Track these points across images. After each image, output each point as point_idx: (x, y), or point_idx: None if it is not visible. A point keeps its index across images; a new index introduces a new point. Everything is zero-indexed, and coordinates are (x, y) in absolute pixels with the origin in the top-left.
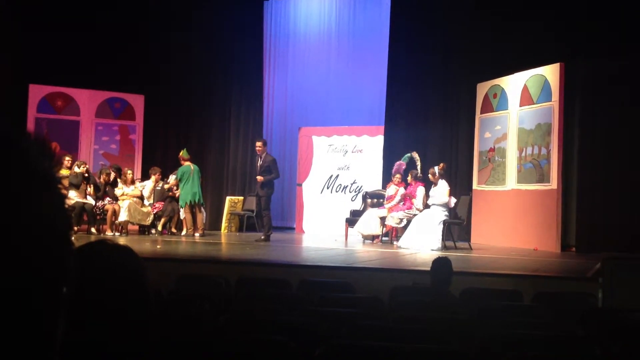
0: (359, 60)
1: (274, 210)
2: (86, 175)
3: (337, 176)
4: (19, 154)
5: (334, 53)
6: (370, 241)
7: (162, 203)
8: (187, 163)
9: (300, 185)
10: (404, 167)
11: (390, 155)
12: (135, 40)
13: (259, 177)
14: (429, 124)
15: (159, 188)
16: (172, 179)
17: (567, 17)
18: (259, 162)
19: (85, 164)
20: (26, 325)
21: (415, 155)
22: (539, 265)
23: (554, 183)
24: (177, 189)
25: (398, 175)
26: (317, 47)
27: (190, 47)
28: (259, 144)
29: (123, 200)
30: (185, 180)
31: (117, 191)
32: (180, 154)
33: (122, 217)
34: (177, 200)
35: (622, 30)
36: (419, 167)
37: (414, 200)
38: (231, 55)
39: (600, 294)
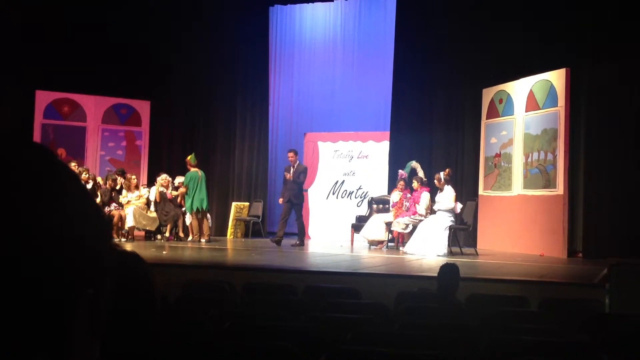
0: (365, 66)
1: (279, 216)
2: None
3: (343, 182)
4: (55, 159)
5: (340, 59)
6: (376, 247)
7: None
8: (195, 169)
9: (306, 191)
10: (405, 175)
11: (395, 161)
12: (141, 46)
13: (287, 175)
14: (435, 130)
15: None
16: (177, 181)
17: (573, 22)
18: (292, 171)
19: (88, 171)
20: (36, 316)
21: (415, 164)
22: (545, 271)
23: (560, 188)
24: (181, 198)
25: (402, 182)
26: (323, 52)
27: (196, 53)
28: (290, 154)
29: (128, 206)
30: (193, 186)
31: (122, 199)
32: (188, 158)
33: (128, 223)
34: (176, 205)
35: (626, 33)
36: (421, 174)
37: (417, 205)
38: (237, 61)
39: (607, 300)
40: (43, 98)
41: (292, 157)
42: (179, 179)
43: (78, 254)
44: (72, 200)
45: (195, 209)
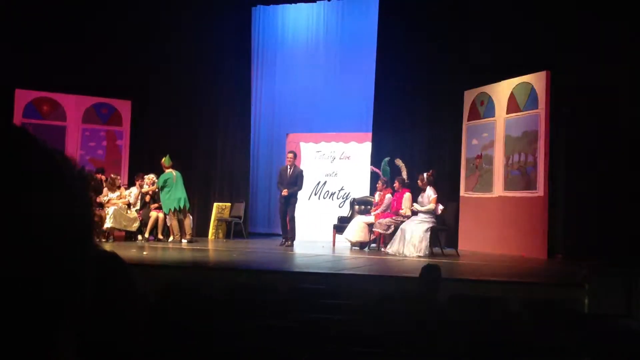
0: (347, 67)
1: (261, 216)
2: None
3: (325, 183)
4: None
5: (322, 59)
6: (358, 248)
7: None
8: (169, 170)
9: None
10: (379, 173)
11: (377, 162)
12: (123, 45)
13: (284, 191)
14: (417, 131)
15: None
16: (147, 178)
17: (553, 25)
18: (289, 172)
19: None
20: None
21: (400, 163)
22: (525, 271)
23: (540, 190)
24: (149, 197)
25: (380, 182)
26: (305, 53)
27: (178, 52)
28: (290, 155)
29: (108, 206)
30: (169, 187)
31: (103, 198)
32: (162, 160)
33: (108, 223)
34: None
35: (607, 35)
36: (404, 174)
37: (400, 210)
38: (219, 61)
39: (586, 300)
40: (22, 97)
41: (290, 158)
42: (149, 177)
43: (57, 254)
44: (54, 195)
45: (172, 209)
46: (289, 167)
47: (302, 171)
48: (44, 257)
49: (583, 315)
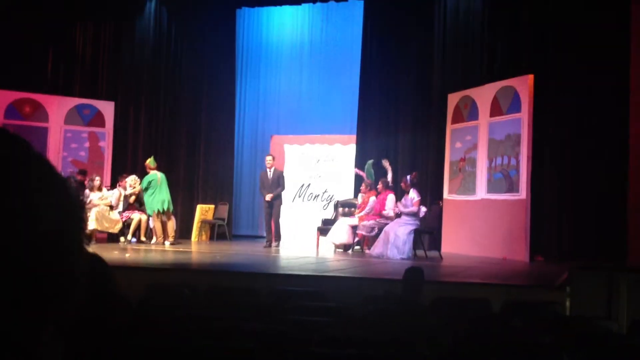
0: (332, 69)
1: (245, 219)
2: None
3: (309, 185)
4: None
5: (307, 62)
6: (342, 250)
7: (129, 212)
8: (154, 171)
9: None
10: (364, 176)
11: (362, 164)
12: (105, 47)
13: (269, 196)
14: (401, 134)
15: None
16: (130, 180)
17: (538, 30)
18: (270, 176)
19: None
20: None
21: (386, 164)
22: (507, 274)
23: (522, 193)
24: (134, 199)
25: (363, 185)
26: (290, 56)
27: (161, 54)
28: (269, 158)
29: (90, 208)
30: (153, 188)
31: (84, 200)
32: (147, 162)
33: (90, 225)
34: (138, 208)
35: (590, 39)
36: (389, 177)
37: (383, 212)
38: (203, 63)
39: (567, 303)
40: (3, 98)
41: (270, 161)
42: (131, 178)
43: (49, 256)
44: (45, 196)
45: (156, 211)
46: (269, 170)
47: (282, 172)
48: (30, 257)
49: (564, 317)
